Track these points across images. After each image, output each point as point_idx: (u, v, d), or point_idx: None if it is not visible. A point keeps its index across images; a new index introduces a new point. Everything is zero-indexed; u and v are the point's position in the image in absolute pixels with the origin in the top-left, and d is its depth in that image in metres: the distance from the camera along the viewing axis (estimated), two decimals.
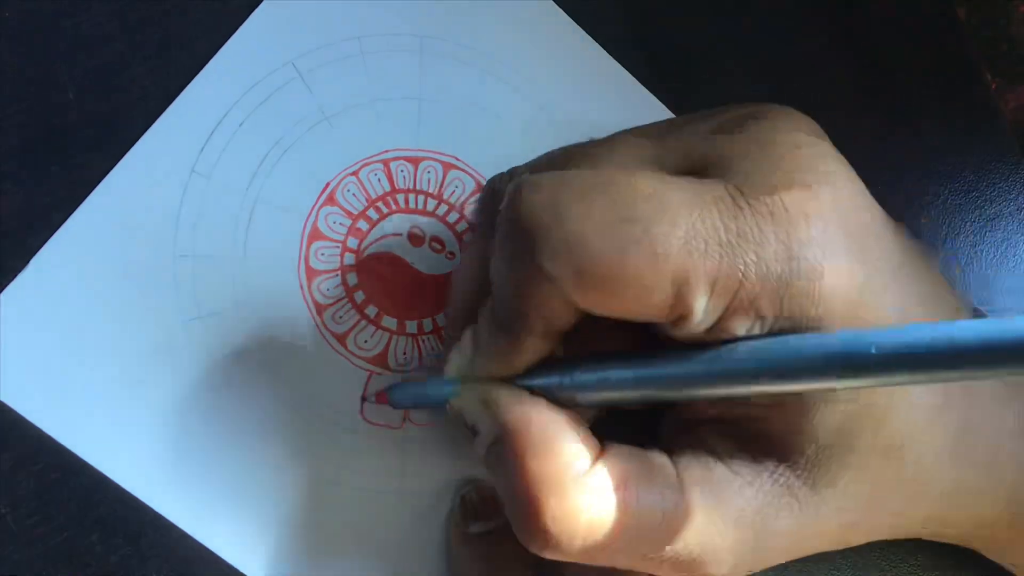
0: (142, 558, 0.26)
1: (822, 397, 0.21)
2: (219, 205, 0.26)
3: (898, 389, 0.21)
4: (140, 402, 0.26)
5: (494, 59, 0.28)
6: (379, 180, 0.28)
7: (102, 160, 0.26)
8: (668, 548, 0.21)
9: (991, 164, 0.33)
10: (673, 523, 0.21)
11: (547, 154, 0.25)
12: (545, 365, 0.22)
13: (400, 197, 0.28)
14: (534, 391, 0.22)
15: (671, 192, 0.20)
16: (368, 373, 0.27)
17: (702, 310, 0.20)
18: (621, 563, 0.22)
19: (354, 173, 0.27)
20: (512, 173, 0.26)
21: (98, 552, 0.25)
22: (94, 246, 0.26)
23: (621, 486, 0.21)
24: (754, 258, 0.19)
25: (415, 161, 0.28)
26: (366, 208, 0.27)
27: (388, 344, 0.27)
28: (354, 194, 0.27)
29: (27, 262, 0.25)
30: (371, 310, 0.27)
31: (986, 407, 0.24)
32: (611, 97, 0.29)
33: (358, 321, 0.27)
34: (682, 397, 0.22)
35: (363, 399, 0.27)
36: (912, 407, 0.22)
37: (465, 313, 0.24)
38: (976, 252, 0.32)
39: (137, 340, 0.26)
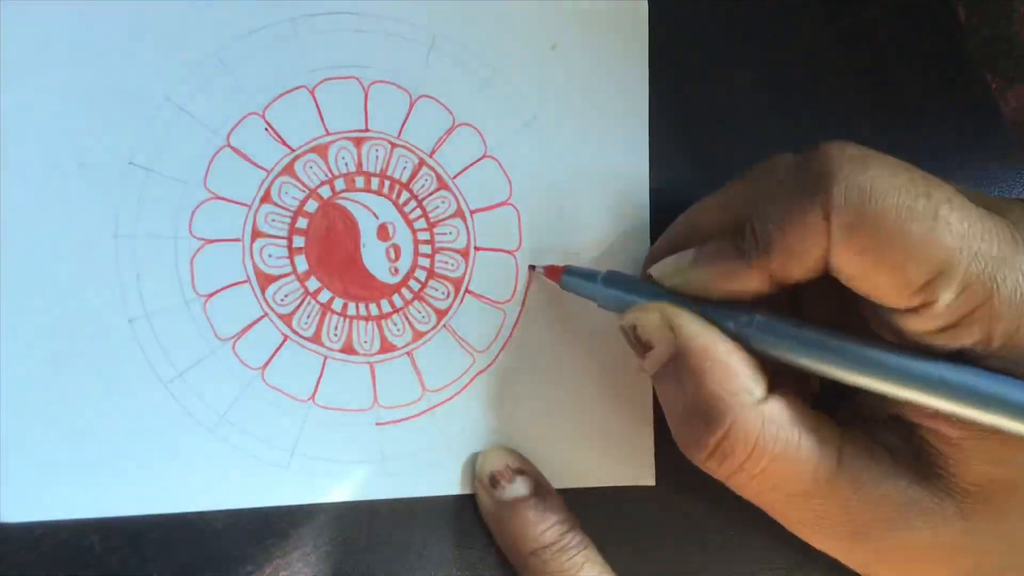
0: (142, 558, 0.26)
1: (1014, 438, 0.21)
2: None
3: None
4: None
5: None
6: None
7: None
8: (806, 498, 0.22)
9: (991, 164, 0.33)
10: (822, 477, 0.22)
11: None
12: (731, 306, 0.23)
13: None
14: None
15: (964, 197, 0.21)
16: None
17: (945, 305, 0.20)
18: (761, 498, 0.23)
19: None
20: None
21: (98, 552, 0.25)
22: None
23: (788, 424, 0.22)
24: (1012, 283, 0.20)
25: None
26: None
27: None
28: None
29: None
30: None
31: None
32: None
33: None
34: (866, 385, 0.22)
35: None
36: None
37: (680, 241, 0.26)
38: None
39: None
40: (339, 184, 0.27)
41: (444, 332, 0.28)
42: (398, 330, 0.27)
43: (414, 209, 0.28)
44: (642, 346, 0.24)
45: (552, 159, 0.29)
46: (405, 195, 0.28)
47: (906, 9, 0.32)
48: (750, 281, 0.23)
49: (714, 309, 0.24)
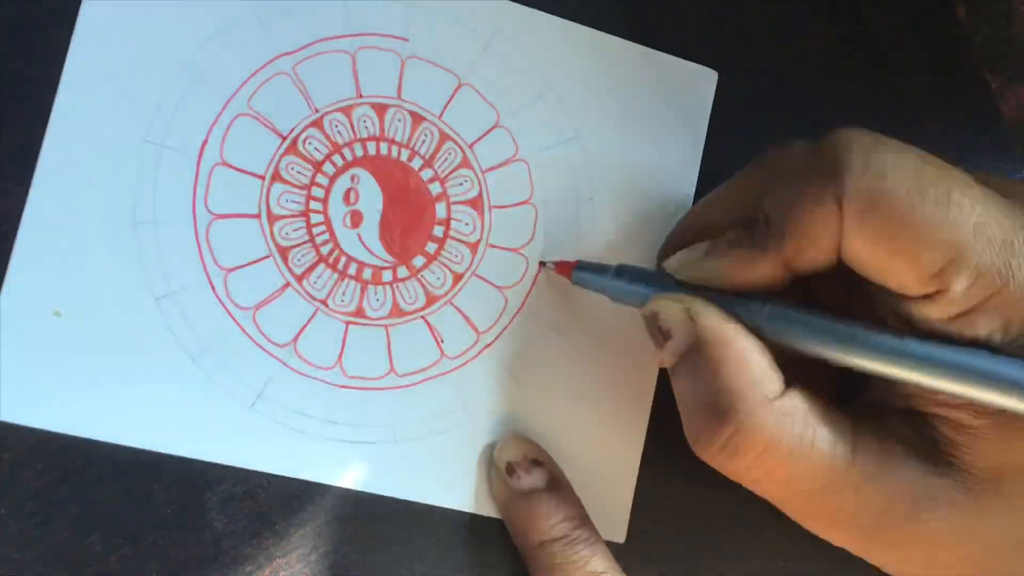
0: (142, 558, 0.26)
1: None
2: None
3: None
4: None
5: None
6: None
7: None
8: (821, 494, 0.22)
9: (991, 164, 0.33)
10: (836, 472, 0.22)
11: None
12: (746, 297, 0.23)
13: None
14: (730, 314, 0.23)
15: (980, 185, 0.21)
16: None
17: (959, 291, 0.20)
18: (773, 495, 0.23)
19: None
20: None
21: (98, 552, 0.25)
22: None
23: (802, 420, 0.22)
24: None
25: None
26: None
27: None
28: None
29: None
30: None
31: None
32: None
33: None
34: (885, 372, 0.22)
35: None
36: None
37: (692, 233, 0.26)
38: None
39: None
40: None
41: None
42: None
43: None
44: (662, 335, 0.24)
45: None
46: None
47: (906, 9, 0.32)
48: (764, 270, 0.23)
49: (728, 300, 0.24)
